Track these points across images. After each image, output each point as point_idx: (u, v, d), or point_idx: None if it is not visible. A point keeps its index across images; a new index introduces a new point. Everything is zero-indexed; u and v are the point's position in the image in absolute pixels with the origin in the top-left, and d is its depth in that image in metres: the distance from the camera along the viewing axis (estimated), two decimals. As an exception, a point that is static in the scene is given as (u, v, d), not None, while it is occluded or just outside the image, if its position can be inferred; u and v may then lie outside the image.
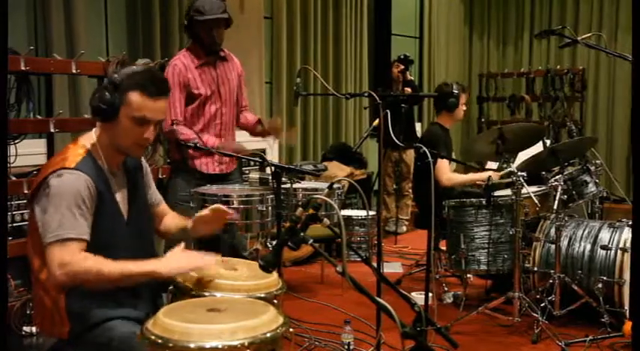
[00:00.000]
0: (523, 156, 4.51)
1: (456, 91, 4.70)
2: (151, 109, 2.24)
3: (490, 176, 4.03)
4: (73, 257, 2.09)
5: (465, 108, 4.85)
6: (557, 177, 4.16)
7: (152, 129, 2.28)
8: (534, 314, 3.79)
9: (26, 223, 3.57)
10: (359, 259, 2.19)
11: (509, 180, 3.93)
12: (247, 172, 5.73)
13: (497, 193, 4.26)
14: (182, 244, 2.35)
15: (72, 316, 2.19)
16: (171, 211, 2.70)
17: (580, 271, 4.03)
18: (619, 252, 3.93)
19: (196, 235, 2.55)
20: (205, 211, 2.52)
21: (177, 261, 2.20)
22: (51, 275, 2.11)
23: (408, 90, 6.44)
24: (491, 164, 4.83)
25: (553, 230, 4.07)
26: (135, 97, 2.22)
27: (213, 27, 3.76)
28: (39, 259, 2.20)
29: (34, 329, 3.48)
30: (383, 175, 6.62)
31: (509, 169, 3.93)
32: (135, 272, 2.13)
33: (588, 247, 4.05)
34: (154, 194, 2.62)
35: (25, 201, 3.60)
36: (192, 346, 1.75)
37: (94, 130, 2.34)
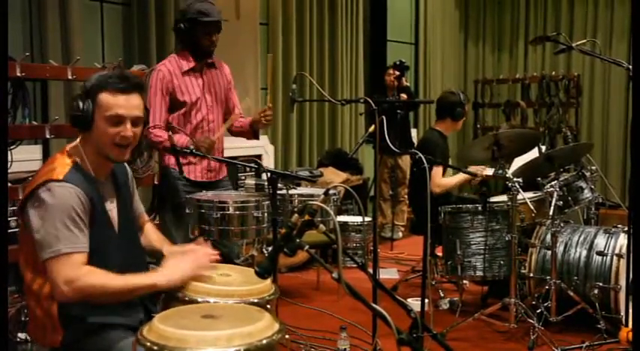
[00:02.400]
0: (519, 162, 4.53)
1: (464, 102, 4.74)
2: (121, 105, 2.22)
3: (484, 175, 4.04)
4: (77, 272, 2.08)
5: (464, 118, 4.88)
6: (552, 183, 4.17)
7: (129, 126, 2.24)
8: (530, 320, 3.79)
9: (21, 229, 3.58)
10: (355, 265, 2.19)
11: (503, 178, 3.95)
12: (243, 178, 5.73)
13: (493, 199, 4.27)
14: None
15: (64, 325, 2.17)
16: (149, 222, 2.69)
17: (576, 277, 4.03)
18: (615, 258, 3.94)
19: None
20: (178, 249, 2.50)
21: (175, 271, 2.19)
22: (57, 292, 2.09)
23: (404, 96, 6.44)
24: (487, 170, 4.84)
25: (549, 236, 4.07)
26: (103, 97, 2.21)
27: (213, 31, 3.75)
28: (31, 272, 2.19)
29: (28, 336, 3.47)
30: (379, 181, 6.62)
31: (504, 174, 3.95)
32: (138, 285, 2.13)
33: (584, 253, 4.06)
34: (137, 204, 2.61)
35: (21, 207, 3.59)
36: (187, 352, 1.74)
37: (78, 139, 2.32)
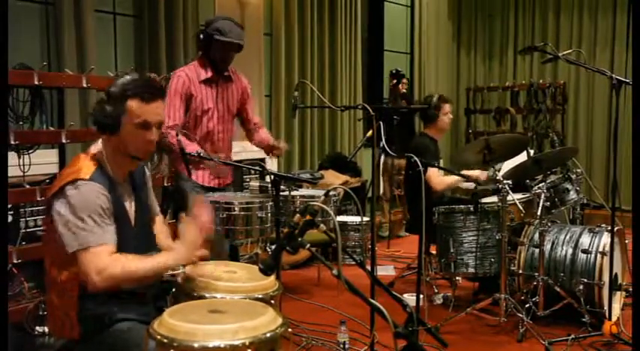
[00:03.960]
0: (508, 165, 4.53)
1: (434, 103, 4.71)
2: (149, 112, 2.25)
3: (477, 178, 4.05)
4: (106, 261, 2.10)
5: (451, 116, 4.84)
6: (540, 185, 4.17)
7: (154, 131, 2.28)
8: (519, 314, 3.79)
9: (39, 228, 3.58)
10: (354, 263, 2.19)
11: (494, 187, 3.95)
12: (248, 180, 5.73)
13: (484, 200, 4.27)
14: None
15: (82, 320, 2.19)
16: (160, 216, 2.70)
17: (562, 274, 4.03)
18: (598, 255, 3.94)
19: None
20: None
21: (182, 252, 2.21)
22: (90, 283, 2.10)
23: (404, 102, 6.45)
24: (482, 175, 4.83)
25: (537, 235, 4.07)
26: (133, 104, 2.23)
27: (229, 50, 3.74)
28: (56, 268, 2.20)
29: (46, 329, 3.47)
30: (383, 182, 6.62)
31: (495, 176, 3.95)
32: (158, 266, 2.16)
33: (570, 250, 4.06)
34: (153, 202, 2.63)
35: (37, 208, 3.60)
36: (196, 345, 1.74)
37: (99, 141, 2.34)
